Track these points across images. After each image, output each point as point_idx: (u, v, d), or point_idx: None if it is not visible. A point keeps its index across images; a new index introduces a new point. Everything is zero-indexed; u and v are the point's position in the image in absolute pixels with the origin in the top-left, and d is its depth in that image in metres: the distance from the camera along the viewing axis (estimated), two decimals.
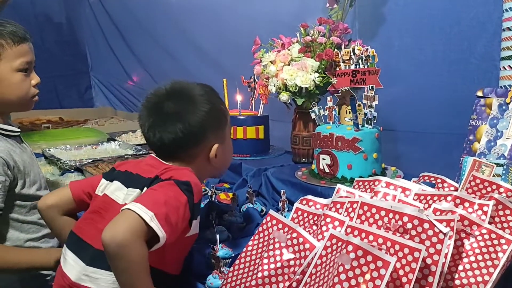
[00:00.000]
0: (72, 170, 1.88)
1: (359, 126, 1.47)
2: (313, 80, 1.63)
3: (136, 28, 3.08)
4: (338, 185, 1.15)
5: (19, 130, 1.36)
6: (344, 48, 1.69)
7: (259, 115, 1.93)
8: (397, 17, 1.73)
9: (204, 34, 2.66)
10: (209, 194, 1.54)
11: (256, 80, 1.94)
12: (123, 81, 3.33)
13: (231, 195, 1.59)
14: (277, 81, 1.68)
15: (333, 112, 1.57)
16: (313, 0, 2.04)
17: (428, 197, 1.02)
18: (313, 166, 1.56)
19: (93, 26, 3.33)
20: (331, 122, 1.57)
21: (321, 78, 1.63)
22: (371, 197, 1.05)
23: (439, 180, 1.22)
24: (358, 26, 1.88)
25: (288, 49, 1.75)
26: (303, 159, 1.76)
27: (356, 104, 1.45)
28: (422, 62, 1.68)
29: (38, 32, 2.54)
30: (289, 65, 1.68)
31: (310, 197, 1.10)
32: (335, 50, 1.61)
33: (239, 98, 1.96)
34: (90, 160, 1.93)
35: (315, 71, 1.64)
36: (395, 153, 1.72)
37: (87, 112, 3.45)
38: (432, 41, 1.63)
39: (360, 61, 1.54)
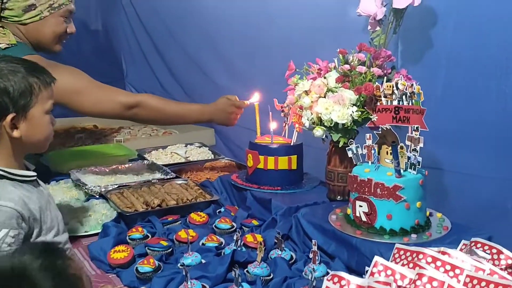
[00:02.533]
0: (97, 197, 1.82)
1: (401, 172, 1.32)
2: (351, 115, 1.49)
3: (168, 38, 3.01)
4: (376, 258, 1.02)
5: (35, 174, 1.30)
6: (386, 76, 1.54)
7: (292, 143, 1.80)
8: (446, 43, 1.56)
9: (236, 50, 2.56)
10: (235, 237, 1.43)
11: (290, 105, 1.81)
12: (156, 90, 3.26)
13: (259, 237, 1.48)
14: (311, 114, 1.55)
15: (372, 151, 1.43)
16: (352, 20, 1.88)
17: (483, 283, 0.87)
18: (349, 211, 1.43)
19: (128, 34, 3.29)
20: (369, 162, 1.43)
21: (360, 113, 1.49)
22: (414, 281, 0.91)
23: (494, 251, 1.06)
24: (401, 49, 1.72)
25: (325, 77, 1.61)
26: (339, 197, 1.63)
27: (399, 148, 1.30)
28: (473, 96, 1.50)
29: (75, 40, 2.50)
30: (324, 97, 1.54)
31: (342, 274, 0.97)
32: (376, 83, 1.47)
33: (272, 125, 1.84)
34: (115, 186, 1.87)
35: (353, 105, 1.50)
36: (440, 195, 1.56)
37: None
38: (486, 73, 1.46)
39: (403, 97, 1.39)
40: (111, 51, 3.45)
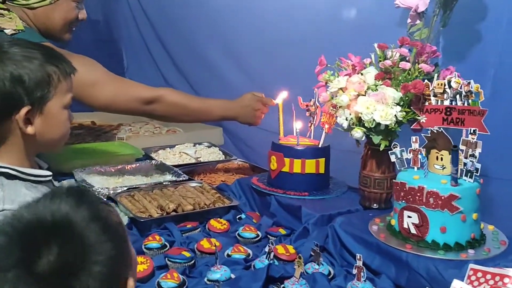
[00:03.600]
0: (106, 200, 1.65)
1: (457, 180, 1.19)
2: (395, 115, 1.35)
3: (173, 31, 2.84)
4: (454, 282, 0.88)
5: (51, 174, 1.14)
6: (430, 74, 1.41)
7: (320, 145, 1.66)
8: (497, 40, 1.43)
9: (249, 45, 2.41)
10: (267, 249, 1.28)
11: (318, 104, 1.67)
12: (159, 85, 3.09)
13: (291, 249, 1.34)
14: (350, 114, 1.40)
15: (419, 155, 1.29)
16: (384, 12, 1.75)
17: None
18: (393, 221, 1.29)
19: (130, 25, 3.11)
20: (415, 168, 1.30)
21: (404, 113, 1.36)
22: None
23: None
24: (443, 44, 1.59)
25: (361, 73, 1.47)
26: (374, 204, 1.49)
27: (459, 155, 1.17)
28: None
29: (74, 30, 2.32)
30: (364, 95, 1.40)
31: None
32: (425, 80, 1.33)
33: (297, 125, 1.70)
34: (125, 188, 1.71)
35: (397, 104, 1.37)
36: (488, 205, 1.43)
37: (121, 115, 3.23)
38: None
39: (457, 96, 1.26)
40: (111, 42, 3.27)
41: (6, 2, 1.49)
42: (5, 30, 1.43)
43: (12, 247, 0.63)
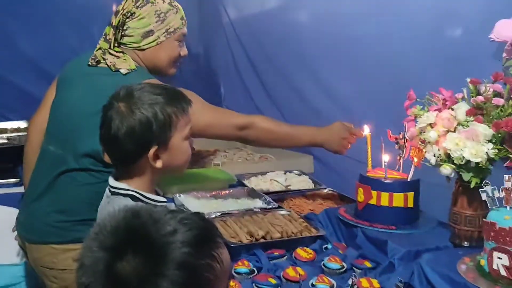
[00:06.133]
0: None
1: None
2: (486, 152, 1.32)
3: (268, 63, 2.98)
4: None
5: (166, 200, 1.30)
6: None
7: (409, 179, 1.66)
8: None
9: (337, 75, 2.46)
10: (350, 282, 1.31)
11: (407, 137, 1.67)
12: (252, 113, 3.24)
13: (375, 282, 1.35)
14: (438, 150, 1.40)
15: None
16: (481, 44, 1.72)
17: None
18: (483, 262, 1.26)
19: (228, 57, 3.30)
20: (508, 207, 1.26)
21: (497, 151, 1.33)
22: None
23: None
24: None
25: (452, 109, 1.46)
26: (465, 243, 1.45)
27: None
28: None
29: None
30: (454, 131, 1.39)
31: None
32: None
33: (385, 158, 1.71)
34: (218, 214, 1.83)
35: (489, 141, 1.34)
36: None
37: (217, 141, 3.41)
38: None
39: None
40: (210, 74, 3.49)
41: (121, 46, 1.70)
42: (120, 70, 1.63)
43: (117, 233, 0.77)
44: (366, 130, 1.85)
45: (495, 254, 1.20)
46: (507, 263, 1.17)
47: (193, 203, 1.96)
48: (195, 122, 1.68)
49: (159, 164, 1.25)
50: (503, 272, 1.18)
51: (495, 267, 1.20)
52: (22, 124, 2.76)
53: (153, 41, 1.69)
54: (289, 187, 2.24)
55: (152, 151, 1.23)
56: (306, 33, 2.73)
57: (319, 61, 2.63)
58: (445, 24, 1.96)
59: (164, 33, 1.69)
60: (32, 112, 1.93)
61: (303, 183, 2.29)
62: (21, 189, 2.13)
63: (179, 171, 1.36)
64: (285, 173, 2.38)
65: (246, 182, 2.29)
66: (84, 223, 1.59)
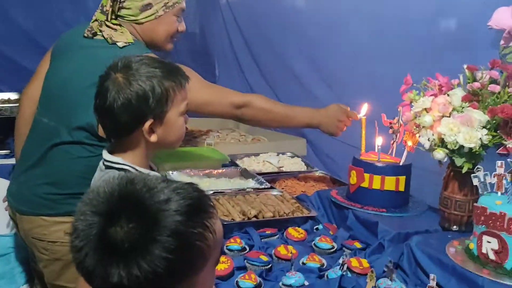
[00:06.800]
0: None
1: None
2: (480, 138, 1.34)
3: (263, 44, 2.98)
4: None
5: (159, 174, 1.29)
6: None
7: (401, 163, 1.67)
8: None
9: (335, 59, 2.46)
10: (341, 261, 1.33)
11: (401, 122, 1.68)
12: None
13: (365, 262, 1.37)
14: (433, 134, 1.41)
15: (504, 181, 1.27)
16: (479, 31, 1.72)
17: None
18: (471, 245, 1.28)
19: (224, 37, 3.29)
20: (499, 193, 1.28)
21: (491, 137, 1.34)
22: None
23: None
24: None
25: (448, 94, 1.47)
26: (454, 226, 1.48)
27: None
28: None
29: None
30: (449, 116, 1.40)
31: None
32: None
33: (379, 141, 1.72)
34: (211, 192, 1.83)
35: (483, 127, 1.35)
36: None
37: (210, 122, 3.41)
38: None
39: None
40: (205, 54, 3.47)
41: (118, 18, 1.67)
42: (117, 43, 1.61)
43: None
44: (362, 112, 1.86)
45: (485, 238, 1.22)
46: (496, 247, 1.20)
47: (185, 181, 1.96)
48: (192, 99, 1.67)
49: (153, 138, 1.24)
50: (491, 256, 1.21)
51: (484, 250, 1.22)
52: (13, 95, 2.72)
53: (151, 15, 1.67)
54: (281, 169, 2.25)
55: (147, 124, 1.21)
56: (303, 17, 2.73)
57: (315, 44, 2.63)
58: (440, 15, 1.97)
59: (162, 7, 1.67)
60: (24, 84, 1.90)
61: (296, 165, 2.30)
62: (12, 161, 2.12)
63: (173, 147, 1.36)
64: (278, 155, 2.39)
65: (238, 162, 2.29)
66: (76, 196, 1.57)
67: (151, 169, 1.33)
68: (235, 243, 1.47)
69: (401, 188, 1.65)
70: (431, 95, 1.51)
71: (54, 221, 1.62)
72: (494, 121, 1.34)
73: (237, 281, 1.27)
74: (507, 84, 1.39)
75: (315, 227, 1.67)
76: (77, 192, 1.56)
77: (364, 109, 1.86)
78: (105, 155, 1.29)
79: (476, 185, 1.32)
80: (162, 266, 0.73)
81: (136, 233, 0.73)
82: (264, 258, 1.38)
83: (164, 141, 1.27)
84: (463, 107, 1.41)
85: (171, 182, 0.81)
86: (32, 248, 1.71)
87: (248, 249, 1.48)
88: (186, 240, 0.76)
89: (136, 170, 1.25)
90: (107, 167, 1.27)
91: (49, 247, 1.64)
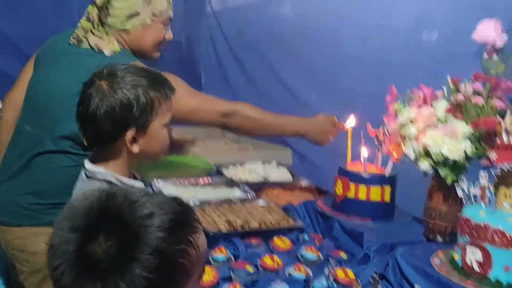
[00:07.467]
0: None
1: None
2: (464, 150, 1.35)
3: (249, 52, 2.99)
4: None
5: (143, 185, 1.28)
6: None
7: (387, 175, 1.68)
8: None
9: (322, 67, 2.48)
10: (327, 272, 1.33)
11: (386, 132, 1.69)
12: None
13: (350, 273, 1.37)
14: (418, 145, 1.42)
15: (487, 192, 1.28)
16: (463, 42, 1.75)
17: None
18: (456, 256, 1.29)
19: (209, 45, 3.29)
20: (483, 204, 1.29)
21: (475, 149, 1.36)
22: None
23: None
24: None
25: (432, 105, 1.49)
26: (439, 237, 1.49)
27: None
28: None
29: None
30: (433, 127, 1.42)
31: None
32: (497, 116, 1.33)
33: (364, 152, 1.73)
34: (197, 203, 1.82)
35: (467, 138, 1.37)
36: None
37: (196, 131, 3.40)
38: None
39: None
40: (191, 62, 3.47)
41: (104, 26, 1.66)
42: (104, 52, 1.60)
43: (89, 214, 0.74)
44: (349, 124, 1.87)
45: (469, 249, 1.23)
46: (480, 258, 1.21)
47: (171, 190, 1.95)
48: (179, 107, 1.66)
49: (135, 148, 1.21)
50: (475, 267, 1.21)
51: (468, 261, 1.23)
52: None
53: (138, 24, 1.66)
54: (267, 178, 2.24)
55: (130, 134, 1.19)
56: (289, 26, 2.74)
57: (301, 52, 2.64)
58: (424, 25, 2.00)
59: (150, 15, 1.66)
60: (6, 91, 1.87)
61: (282, 174, 2.30)
62: None
63: (155, 158, 1.34)
64: (263, 164, 2.38)
65: (224, 171, 2.28)
66: (58, 206, 1.53)
67: (135, 178, 1.31)
68: (220, 253, 1.46)
69: (387, 198, 1.67)
70: (416, 106, 1.52)
71: (35, 232, 1.59)
72: (478, 133, 1.36)
73: None
74: (490, 96, 1.41)
75: (301, 237, 1.67)
76: (60, 202, 1.53)
77: (351, 120, 1.87)
78: (87, 164, 1.26)
79: (460, 196, 1.33)
80: (142, 286, 0.70)
81: (115, 251, 0.71)
82: (250, 269, 1.38)
83: (147, 151, 1.25)
84: (447, 119, 1.42)
85: (155, 196, 0.78)
86: (13, 260, 1.67)
87: (233, 259, 1.47)
88: (169, 257, 0.73)
89: (119, 179, 1.23)
90: (89, 177, 1.25)
91: (30, 258, 1.60)
